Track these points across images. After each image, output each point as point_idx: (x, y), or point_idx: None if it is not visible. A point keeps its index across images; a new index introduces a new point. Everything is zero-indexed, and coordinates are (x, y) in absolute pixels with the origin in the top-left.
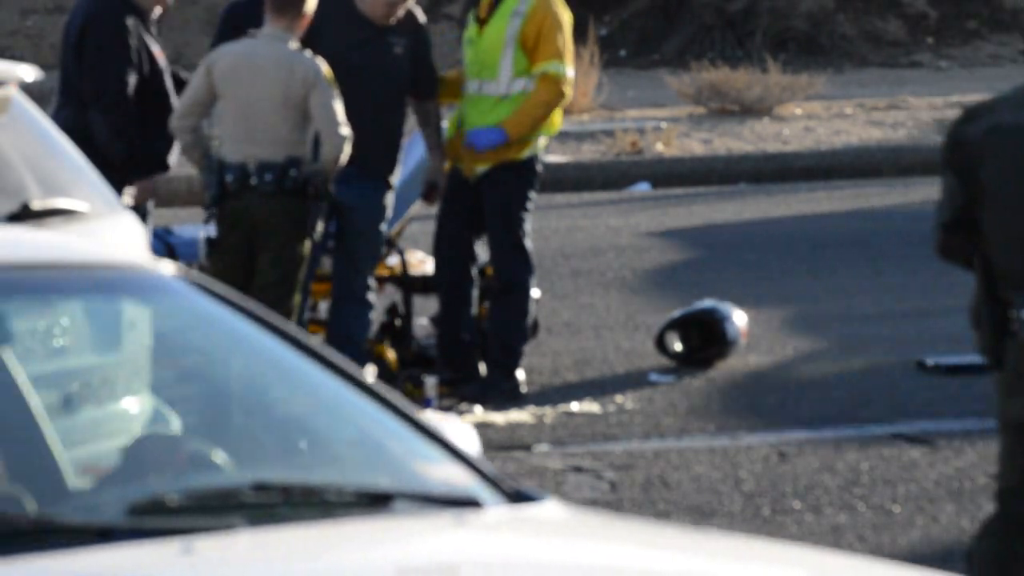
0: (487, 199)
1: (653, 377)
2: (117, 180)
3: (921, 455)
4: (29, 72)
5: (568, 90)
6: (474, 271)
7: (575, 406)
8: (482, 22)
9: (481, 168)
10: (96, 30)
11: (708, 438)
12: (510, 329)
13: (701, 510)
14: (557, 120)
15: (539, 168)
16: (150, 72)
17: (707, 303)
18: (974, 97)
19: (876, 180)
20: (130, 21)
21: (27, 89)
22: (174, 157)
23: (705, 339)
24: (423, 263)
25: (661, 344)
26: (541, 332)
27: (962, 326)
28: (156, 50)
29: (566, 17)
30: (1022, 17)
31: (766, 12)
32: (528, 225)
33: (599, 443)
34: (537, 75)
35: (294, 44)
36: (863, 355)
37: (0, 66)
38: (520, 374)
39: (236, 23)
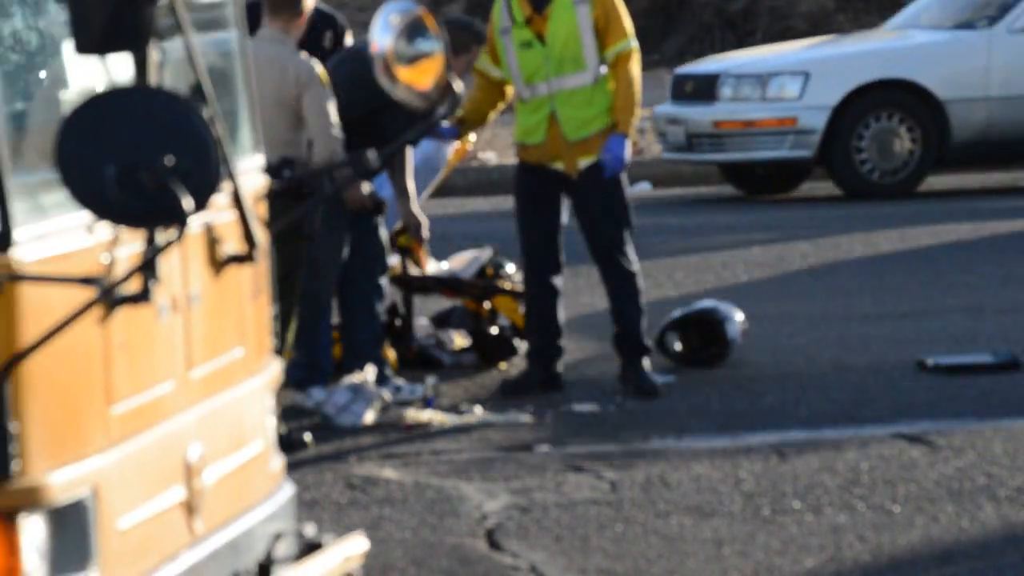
0: (592, 192)
1: (655, 377)
2: None
3: (921, 455)
4: None
5: (638, 62)
6: (560, 279)
7: (575, 406)
8: (531, 21)
9: (585, 162)
10: None
11: (708, 438)
12: (638, 316)
13: (701, 510)
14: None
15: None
16: None
17: (707, 303)
18: None
19: None
20: None
21: None
22: None
23: (705, 339)
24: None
25: (661, 344)
26: None
27: (962, 326)
28: None
29: None
30: None
31: (766, 12)
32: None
33: (599, 443)
34: (611, 58)
35: (290, 45)
36: (863, 355)
37: None
38: (647, 362)
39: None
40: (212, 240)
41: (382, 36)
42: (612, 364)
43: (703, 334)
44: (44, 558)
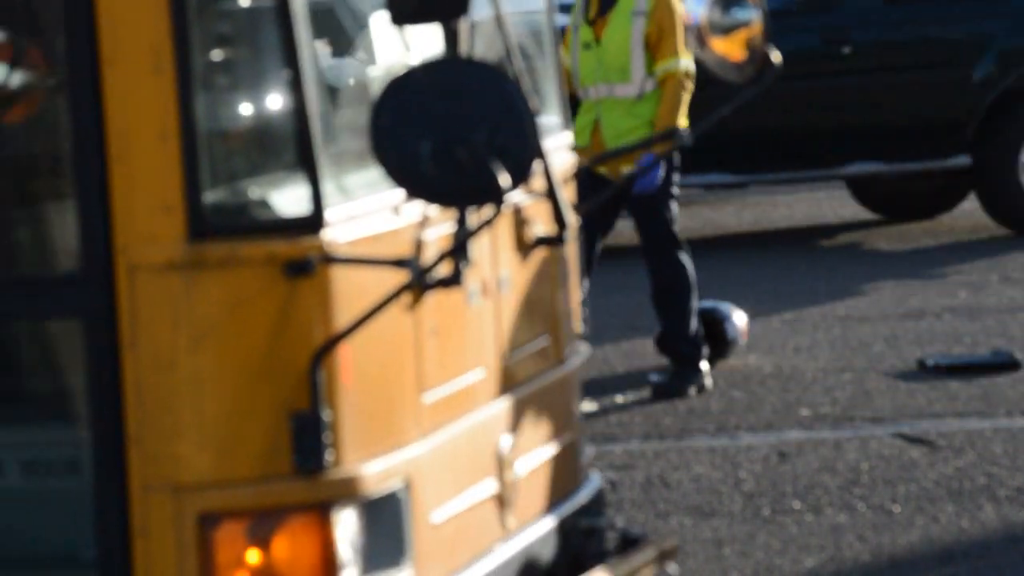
0: (636, 197)
1: (653, 377)
2: None
3: (921, 455)
4: None
5: (690, 83)
6: (586, 282)
7: None
8: (593, 24)
9: (628, 168)
10: None
11: (708, 438)
12: (676, 318)
13: (701, 510)
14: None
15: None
16: None
17: (707, 303)
18: None
19: None
20: None
21: None
22: None
23: (705, 339)
24: None
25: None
26: None
27: (962, 326)
28: None
29: (680, 8)
30: None
31: None
32: (675, 213)
33: (599, 443)
34: (659, 75)
35: None
36: (863, 355)
37: None
38: (704, 364)
39: None
40: (520, 221)
41: (697, 5)
42: (612, 364)
43: (703, 334)
44: (358, 552)
